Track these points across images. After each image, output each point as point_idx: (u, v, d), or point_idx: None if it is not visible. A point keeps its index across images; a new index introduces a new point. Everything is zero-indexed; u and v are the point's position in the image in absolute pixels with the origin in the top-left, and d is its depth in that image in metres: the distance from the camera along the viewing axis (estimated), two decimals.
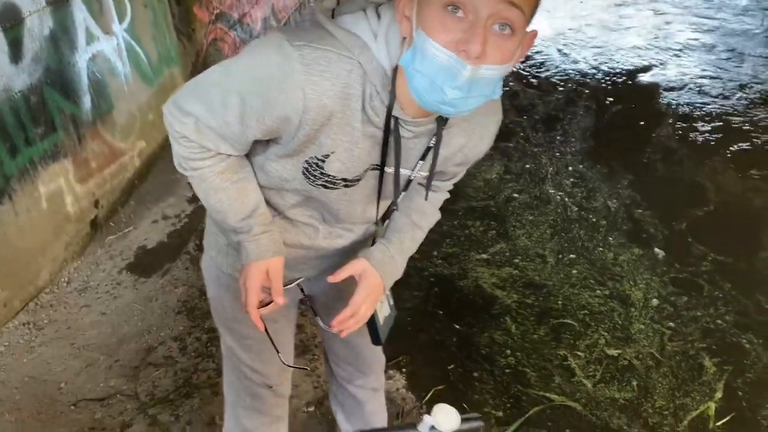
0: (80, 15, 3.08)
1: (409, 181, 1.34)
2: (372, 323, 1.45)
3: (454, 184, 1.52)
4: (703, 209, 3.55)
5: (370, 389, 1.88)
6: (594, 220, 3.43)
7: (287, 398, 1.78)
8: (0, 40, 2.57)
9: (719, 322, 2.77)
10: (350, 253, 1.50)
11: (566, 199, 3.59)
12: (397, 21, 1.10)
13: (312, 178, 1.25)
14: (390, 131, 1.20)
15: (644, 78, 5.26)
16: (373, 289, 1.37)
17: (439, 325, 2.72)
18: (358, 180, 1.28)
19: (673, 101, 4.84)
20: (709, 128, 4.42)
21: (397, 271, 1.43)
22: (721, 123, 4.48)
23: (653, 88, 5.08)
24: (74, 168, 3.06)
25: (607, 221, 3.42)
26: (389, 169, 1.29)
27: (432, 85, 1.03)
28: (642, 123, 4.54)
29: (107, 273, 3.03)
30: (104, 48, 3.29)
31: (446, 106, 1.06)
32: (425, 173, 1.33)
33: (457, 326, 2.70)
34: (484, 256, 3.10)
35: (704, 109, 4.71)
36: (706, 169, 3.94)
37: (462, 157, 1.35)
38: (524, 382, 2.46)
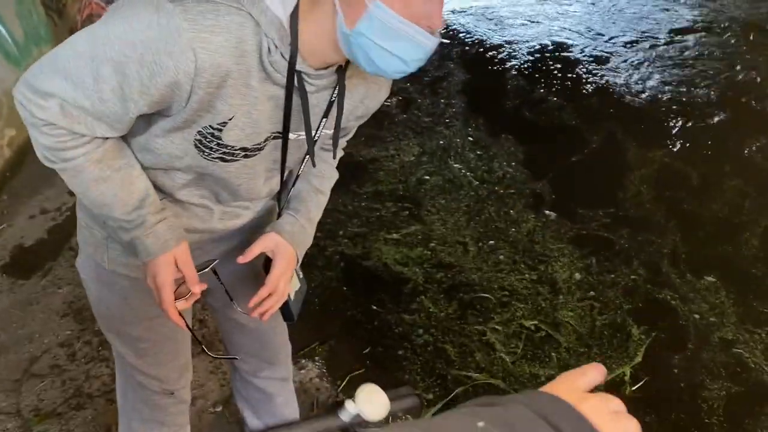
0: None
1: (314, 143, 1.21)
2: (283, 301, 1.34)
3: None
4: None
5: (278, 379, 1.74)
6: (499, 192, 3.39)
7: (188, 404, 1.62)
8: None
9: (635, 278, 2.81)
10: (249, 231, 1.36)
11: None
12: None
13: (207, 150, 1.10)
14: (293, 88, 1.07)
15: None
16: (288, 263, 1.28)
17: (351, 308, 2.60)
18: (260, 149, 1.14)
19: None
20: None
21: (308, 240, 1.35)
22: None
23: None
24: None
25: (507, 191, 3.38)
26: (293, 135, 1.16)
27: (396, 60, 1.00)
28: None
29: None
30: None
31: (401, 75, 1.04)
32: (329, 131, 1.22)
33: (374, 307, 2.59)
34: (395, 236, 3.01)
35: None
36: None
37: (363, 109, 1.26)
38: (445, 361, 2.39)
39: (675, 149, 3.65)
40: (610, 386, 2.31)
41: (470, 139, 3.73)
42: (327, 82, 1.11)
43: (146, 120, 1.09)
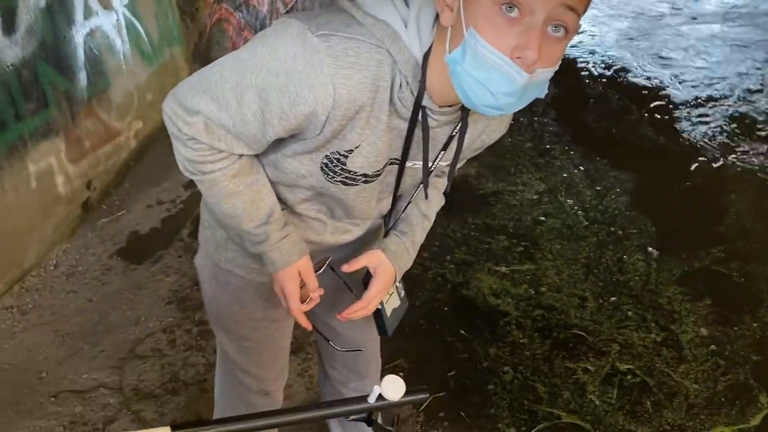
0: None
1: (429, 173, 1.25)
2: (378, 314, 1.40)
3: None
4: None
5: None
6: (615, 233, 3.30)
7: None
8: None
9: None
10: (356, 246, 1.41)
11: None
12: (436, 8, 1.00)
13: (331, 174, 1.16)
14: (416, 122, 1.11)
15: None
16: (386, 282, 1.32)
17: (443, 332, 2.60)
18: (378, 175, 1.19)
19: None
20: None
21: (409, 262, 1.39)
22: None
23: None
24: (66, 147, 2.93)
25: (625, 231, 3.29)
26: (410, 163, 1.20)
27: (484, 91, 0.96)
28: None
29: (97, 257, 2.92)
30: (103, 24, 3.15)
31: (494, 110, 1.00)
32: (445, 163, 1.25)
33: (462, 332, 2.59)
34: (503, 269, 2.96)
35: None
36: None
37: (479, 143, 1.27)
38: (532, 396, 2.35)
39: None
40: None
41: (579, 168, 3.66)
42: (450, 118, 1.14)
43: (279, 141, 1.16)
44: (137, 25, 3.45)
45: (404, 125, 1.11)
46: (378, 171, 1.18)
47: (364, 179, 1.18)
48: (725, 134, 4.13)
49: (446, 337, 2.57)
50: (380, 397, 0.95)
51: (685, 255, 3.07)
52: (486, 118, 1.21)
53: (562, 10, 0.89)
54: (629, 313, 2.70)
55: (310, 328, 1.34)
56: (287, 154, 1.17)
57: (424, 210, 1.41)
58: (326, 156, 1.13)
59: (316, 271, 1.32)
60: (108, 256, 2.93)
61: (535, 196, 3.41)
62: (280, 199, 1.27)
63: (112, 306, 2.65)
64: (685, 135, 4.13)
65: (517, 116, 3.85)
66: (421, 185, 1.26)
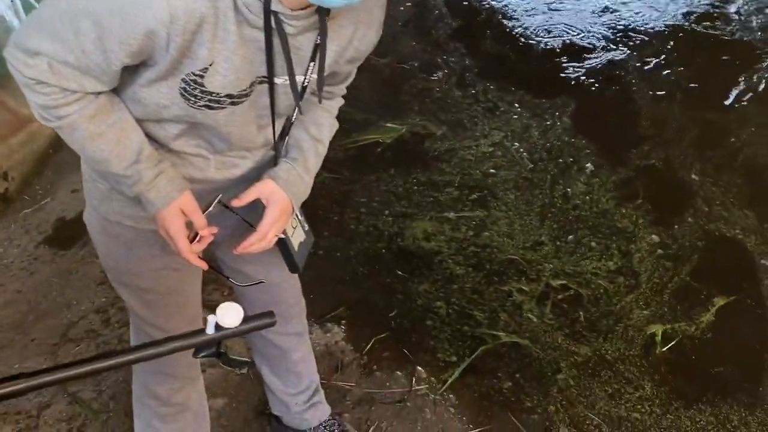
0: None
1: (303, 89, 1.20)
2: (285, 248, 1.36)
3: None
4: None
5: (293, 334, 1.75)
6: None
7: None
8: None
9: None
10: (249, 182, 1.35)
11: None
12: None
13: (192, 98, 1.10)
14: (272, 30, 1.06)
15: None
16: (282, 212, 1.28)
17: (381, 277, 2.57)
18: (246, 95, 1.13)
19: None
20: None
21: (306, 190, 1.35)
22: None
23: None
24: None
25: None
26: (279, 80, 1.15)
27: None
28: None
29: (22, 248, 2.81)
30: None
31: (341, 0, 0.97)
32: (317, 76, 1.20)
33: (400, 272, 2.56)
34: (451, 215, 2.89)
35: None
36: None
37: (353, 52, 1.22)
38: (472, 323, 2.35)
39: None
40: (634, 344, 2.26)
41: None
42: (308, 23, 1.09)
43: (132, 71, 1.10)
44: (35, 4, 3.29)
45: (260, 35, 1.07)
46: (244, 90, 1.13)
47: (230, 101, 1.13)
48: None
49: (384, 281, 2.55)
50: (219, 326, 0.89)
51: (619, 166, 3.11)
52: (351, 23, 1.17)
53: None
54: (593, 244, 2.70)
55: (205, 267, 1.29)
56: (143, 84, 1.11)
57: (315, 134, 1.36)
58: (182, 80, 1.08)
59: (204, 210, 1.27)
60: (34, 245, 2.83)
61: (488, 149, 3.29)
62: (152, 138, 1.21)
63: (42, 294, 2.57)
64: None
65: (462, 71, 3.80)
66: (306, 105, 1.22)
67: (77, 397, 2.12)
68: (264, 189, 1.27)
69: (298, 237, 1.41)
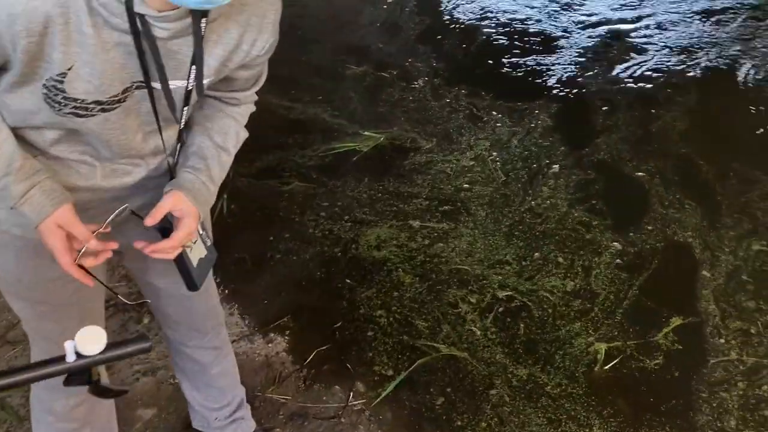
0: None
1: (189, 93, 1.13)
2: (183, 266, 1.28)
3: None
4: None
5: (210, 348, 1.68)
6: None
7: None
8: None
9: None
10: (143, 189, 1.29)
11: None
12: None
13: (57, 105, 1.04)
14: (139, 33, 0.98)
15: None
16: (194, 221, 1.22)
17: (328, 286, 2.50)
18: (118, 101, 1.07)
19: None
20: None
21: (211, 200, 1.29)
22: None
23: None
24: None
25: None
26: (158, 84, 1.08)
27: None
28: None
29: None
30: None
31: (205, 3, 0.92)
32: (208, 80, 1.13)
33: (349, 281, 2.49)
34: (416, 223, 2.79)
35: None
36: None
37: (243, 56, 1.15)
38: (415, 335, 2.28)
39: None
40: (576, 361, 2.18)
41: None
42: (181, 25, 1.03)
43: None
44: None
45: (128, 39, 1.00)
46: (115, 96, 1.06)
47: (99, 107, 1.06)
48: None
49: (334, 288, 2.48)
50: (79, 355, 0.82)
51: (577, 167, 3.05)
52: (239, 25, 1.10)
53: None
54: (560, 260, 2.60)
55: (90, 284, 1.20)
56: (6, 90, 1.06)
57: (220, 142, 1.29)
58: (44, 85, 1.02)
59: (105, 220, 1.18)
60: None
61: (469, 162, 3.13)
62: (31, 144, 1.15)
63: None
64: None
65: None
66: (203, 109, 1.17)
67: (4, 403, 2.06)
68: (176, 202, 1.21)
69: (198, 252, 1.33)
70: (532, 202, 2.85)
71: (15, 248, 1.30)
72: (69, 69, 0.99)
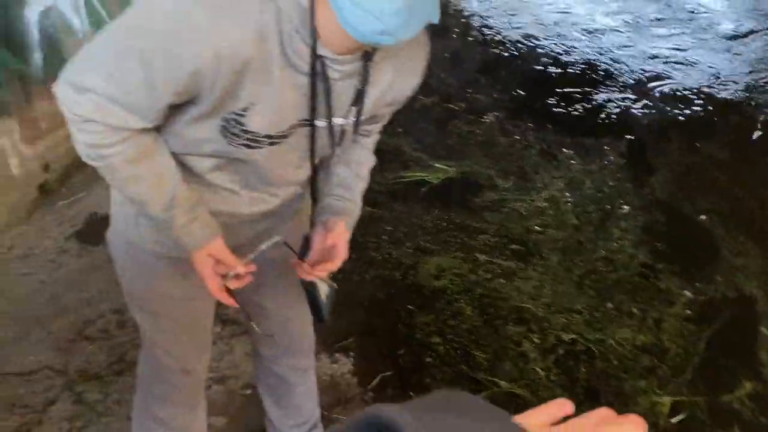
0: None
1: (343, 132, 1.22)
2: (314, 298, 1.35)
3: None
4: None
5: (299, 369, 1.76)
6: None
7: (203, 383, 1.65)
8: None
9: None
10: (274, 217, 1.38)
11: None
12: None
13: (232, 137, 1.12)
14: (317, 74, 1.07)
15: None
16: (346, 245, 1.31)
17: (393, 305, 2.57)
18: (285, 137, 1.15)
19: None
20: None
21: (354, 223, 1.38)
22: None
23: None
24: (21, 129, 2.89)
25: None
26: (320, 123, 1.16)
27: (366, 15, 0.91)
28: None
29: (53, 240, 2.89)
30: (57, 3, 3.10)
31: (385, 36, 0.94)
32: (362, 118, 1.22)
33: (411, 307, 2.55)
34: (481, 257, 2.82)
35: None
36: None
37: (392, 96, 1.23)
38: (474, 367, 2.33)
39: None
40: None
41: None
42: (351, 68, 1.11)
43: (177, 109, 1.12)
44: (96, 3, 3.39)
45: (305, 80, 1.08)
46: (283, 132, 1.14)
47: (268, 141, 1.14)
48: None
49: (392, 314, 2.54)
50: None
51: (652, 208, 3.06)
52: (394, 68, 1.18)
53: None
54: (634, 310, 2.60)
55: (235, 305, 1.30)
56: (186, 121, 1.14)
57: (358, 171, 1.39)
58: (224, 118, 1.09)
59: (254, 249, 1.27)
60: (65, 238, 2.90)
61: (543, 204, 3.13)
62: (189, 169, 1.23)
63: (65, 288, 2.62)
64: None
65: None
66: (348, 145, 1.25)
67: (83, 397, 2.16)
68: (334, 228, 1.28)
69: (324, 287, 1.40)
70: (603, 251, 2.86)
71: (150, 265, 1.39)
72: (252, 104, 1.07)
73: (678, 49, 4.40)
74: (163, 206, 1.18)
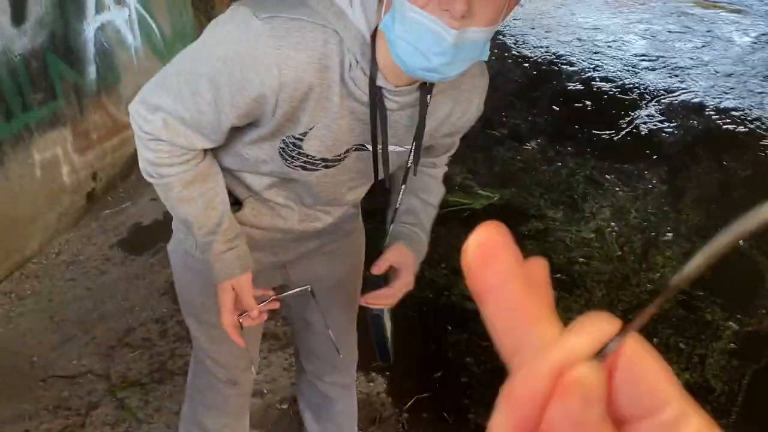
0: None
1: (399, 160, 1.26)
2: (381, 335, 1.36)
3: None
4: None
5: (340, 386, 1.78)
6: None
7: (249, 395, 1.69)
8: (2, 1, 2.50)
9: None
10: (326, 235, 1.41)
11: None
12: None
13: (289, 159, 1.16)
14: (375, 104, 1.10)
15: None
16: (411, 273, 1.33)
17: (424, 328, 2.58)
18: (339, 160, 1.19)
19: None
20: None
21: (424, 250, 1.40)
22: None
23: None
24: (73, 138, 2.99)
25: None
26: (391, 148, 1.20)
27: (415, 52, 0.95)
28: None
29: (98, 247, 2.96)
30: (114, 18, 3.21)
31: (431, 73, 0.99)
32: (427, 143, 1.26)
33: (449, 327, 2.57)
34: None
35: None
36: None
37: (450, 127, 1.26)
38: None
39: None
40: None
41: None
42: (409, 99, 1.14)
43: (238, 130, 1.17)
44: (149, 20, 3.50)
45: (361, 109, 1.12)
46: (338, 156, 1.18)
47: (323, 164, 1.18)
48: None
49: (426, 334, 2.55)
50: None
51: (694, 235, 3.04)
52: (451, 100, 1.21)
53: None
54: (681, 345, 2.57)
55: (242, 344, 1.33)
56: (246, 142, 1.18)
57: (426, 198, 1.41)
58: (283, 140, 1.14)
59: (294, 293, 1.33)
60: (109, 246, 2.97)
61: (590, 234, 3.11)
62: (246, 186, 1.28)
63: (108, 295, 2.69)
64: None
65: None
66: (410, 172, 1.27)
67: (125, 403, 2.20)
68: (399, 254, 1.31)
69: (388, 323, 1.41)
70: (648, 285, 2.84)
71: (204, 275, 1.42)
72: (311, 129, 1.11)
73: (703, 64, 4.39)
74: (208, 230, 1.22)
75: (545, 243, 3.04)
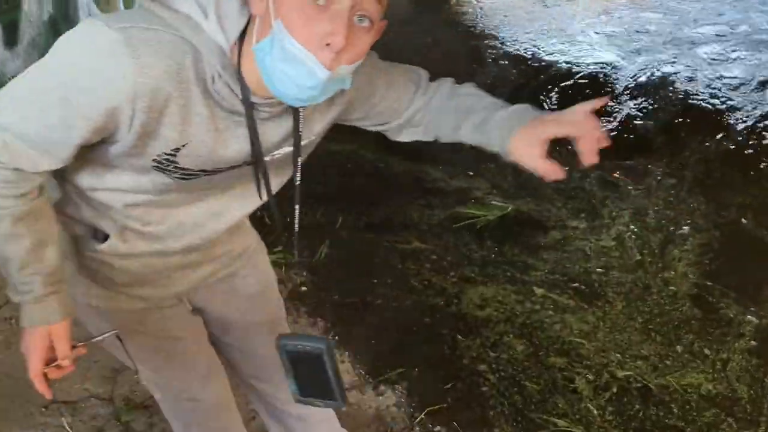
0: (83, 1, 3.00)
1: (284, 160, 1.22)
2: (325, 376, 1.16)
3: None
4: None
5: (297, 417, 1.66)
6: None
7: (224, 406, 1.59)
8: None
9: None
10: (216, 259, 1.38)
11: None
12: None
13: (167, 172, 1.11)
14: (253, 118, 1.09)
15: None
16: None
17: (435, 338, 2.53)
18: (220, 170, 1.14)
19: None
20: None
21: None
22: None
23: None
24: None
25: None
26: (269, 157, 1.17)
27: (291, 84, 0.98)
28: None
29: None
30: None
31: (299, 102, 1.03)
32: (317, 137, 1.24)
33: (461, 338, 2.51)
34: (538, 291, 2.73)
35: None
36: None
37: (368, 107, 1.26)
38: (528, 405, 2.27)
39: None
40: None
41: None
42: (281, 109, 1.11)
43: (99, 148, 1.09)
44: None
45: (232, 117, 1.08)
46: (220, 168, 1.13)
47: (204, 174, 1.13)
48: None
49: (437, 343, 2.50)
50: None
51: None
52: (345, 95, 1.19)
53: (368, 0, 0.94)
54: (706, 351, 2.49)
55: (49, 396, 1.23)
56: (115, 164, 1.10)
57: (451, 92, 1.31)
58: (154, 159, 1.07)
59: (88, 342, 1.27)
60: None
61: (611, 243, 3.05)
62: (113, 209, 1.18)
63: None
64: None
65: None
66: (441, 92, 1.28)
67: (130, 426, 2.15)
68: (544, 126, 1.22)
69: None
70: (670, 288, 2.77)
71: (105, 316, 1.38)
72: (183, 146, 1.06)
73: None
74: (31, 270, 1.13)
75: (556, 250, 2.99)
